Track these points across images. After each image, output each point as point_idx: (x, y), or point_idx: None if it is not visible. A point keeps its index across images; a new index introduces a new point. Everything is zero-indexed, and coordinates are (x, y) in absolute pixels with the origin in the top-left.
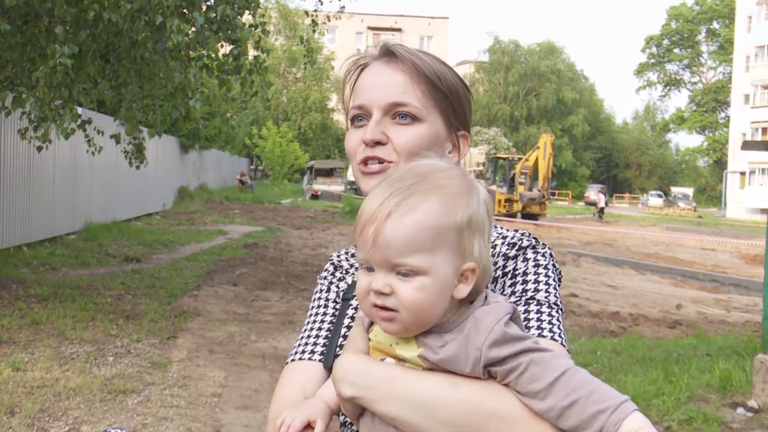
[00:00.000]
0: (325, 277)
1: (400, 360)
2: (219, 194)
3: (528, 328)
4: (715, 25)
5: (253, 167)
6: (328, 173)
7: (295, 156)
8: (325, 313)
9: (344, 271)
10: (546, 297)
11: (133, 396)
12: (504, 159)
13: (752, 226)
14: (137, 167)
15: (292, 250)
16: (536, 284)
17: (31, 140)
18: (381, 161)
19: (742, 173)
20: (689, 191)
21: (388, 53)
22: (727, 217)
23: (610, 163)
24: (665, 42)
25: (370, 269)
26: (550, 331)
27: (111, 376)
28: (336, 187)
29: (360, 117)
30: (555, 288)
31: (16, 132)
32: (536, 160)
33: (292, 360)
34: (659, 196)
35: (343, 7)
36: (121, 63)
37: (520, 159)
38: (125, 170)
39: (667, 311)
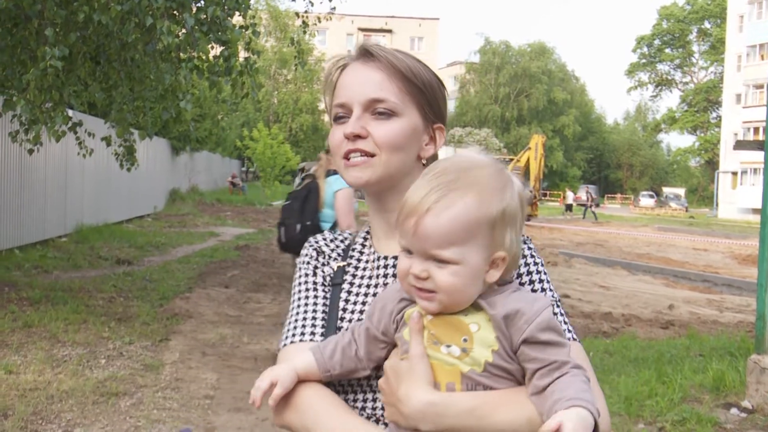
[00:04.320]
0: (308, 262)
1: (466, 341)
2: (210, 196)
3: None
4: (707, 24)
5: (244, 169)
6: None
7: (286, 158)
8: (316, 296)
9: (326, 257)
10: (552, 295)
11: (125, 398)
12: None
13: (744, 226)
14: (128, 169)
15: None
16: (541, 283)
17: (23, 143)
18: (363, 153)
19: (734, 173)
20: (681, 191)
21: (366, 53)
22: (718, 217)
23: (602, 164)
24: (656, 42)
25: (409, 252)
26: (568, 331)
27: (103, 378)
28: None
29: (342, 115)
30: (550, 281)
31: (7, 135)
32: (528, 160)
33: (292, 342)
34: (651, 196)
35: (334, 8)
36: (111, 65)
37: (511, 160)
38: (116, 173)
39: (659, 312)
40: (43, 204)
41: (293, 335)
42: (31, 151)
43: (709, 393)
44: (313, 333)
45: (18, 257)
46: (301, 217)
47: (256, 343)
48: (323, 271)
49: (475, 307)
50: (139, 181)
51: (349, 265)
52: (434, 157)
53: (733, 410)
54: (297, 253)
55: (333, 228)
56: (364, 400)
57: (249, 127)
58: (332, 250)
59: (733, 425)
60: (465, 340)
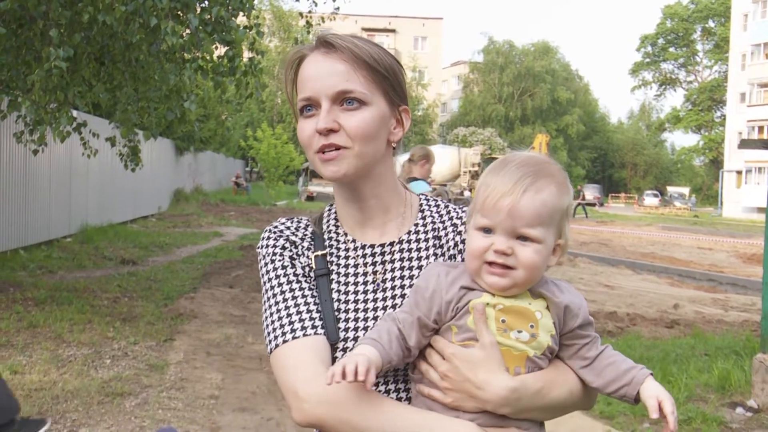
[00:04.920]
0: (281, 254)
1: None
2: (214, 196)
3: None
4: (711, 23)
5: (248, 169)
6: None
7: (290, 158)
8: (302, 288)
9: (298, 247)
10: None
11: (130, 398)
12: None
13: (749, 225)
14: (132, 170)
15: None
16: None
17: (27, 143)
18: (337, 147)
19: (739, 172)
20: (685, 191)
21: (326, 44)
22: (723, 216)
23: (606, 163)
24: (660, 41)
25: (487, 232)
26: None
27: (108, 378)
28: (331, 188)
29: (309, 107)
30: None
31: (12, 135)
32: None
33: (294, 338)
34: (655, 195)
35: (338, 8)
36: (115, 65)
37: None
38: (121, 173)
39: (664, 311)
40: (47, 204)
41: (293, 330)
42: (35, 152)
43: (714, 392)
44: (314, 326)
45: (23, 258)
46: None
47: (261, 343)
48: (301, 262)
49: (533, 295)
50: (144, 181)
51: (331, 254)
52: (402, 140)
53: (739, 409)
54: None
55: None
56: (394, 386)
57: (253, 127)
58: (302, 239)
59: (739, 425)
60: (532, 326)
